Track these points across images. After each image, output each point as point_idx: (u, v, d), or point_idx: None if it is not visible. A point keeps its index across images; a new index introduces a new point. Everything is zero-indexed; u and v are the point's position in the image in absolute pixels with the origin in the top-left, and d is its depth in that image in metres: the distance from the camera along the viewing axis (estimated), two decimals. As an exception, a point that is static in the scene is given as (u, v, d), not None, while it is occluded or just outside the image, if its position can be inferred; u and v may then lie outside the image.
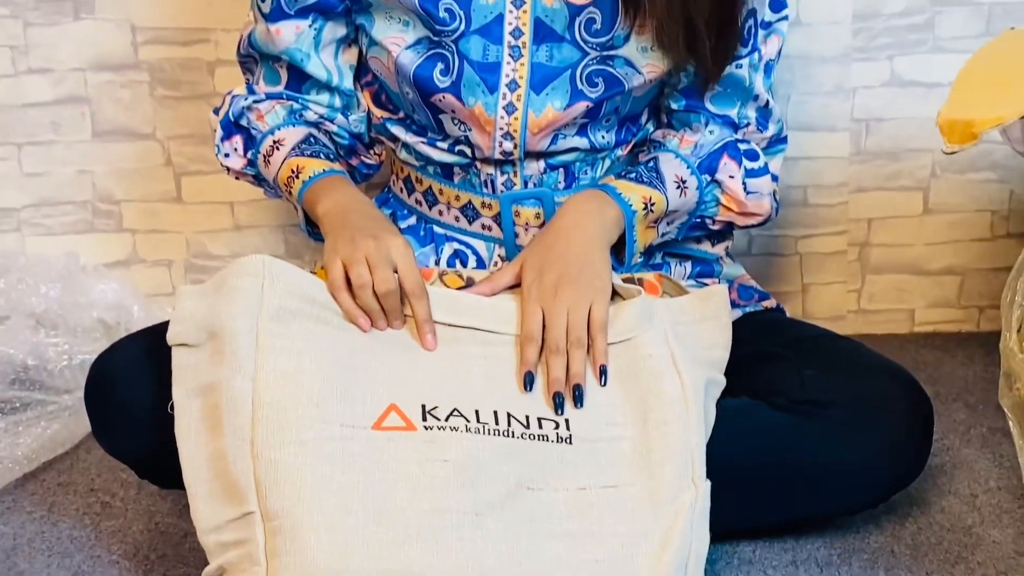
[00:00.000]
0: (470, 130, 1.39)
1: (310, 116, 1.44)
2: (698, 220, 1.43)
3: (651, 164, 1.40)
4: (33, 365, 1.63)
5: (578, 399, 1.23)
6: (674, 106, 1.43)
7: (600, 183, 1.39)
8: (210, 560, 1.17)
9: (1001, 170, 1.74)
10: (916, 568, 1.28)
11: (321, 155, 1.38)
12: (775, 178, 1.44)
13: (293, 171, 1.36)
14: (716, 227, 1.45)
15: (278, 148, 1.38)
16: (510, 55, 1.37)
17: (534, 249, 1.32)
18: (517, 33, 1.37)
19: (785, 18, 1.43)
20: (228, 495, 1.16)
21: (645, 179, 1.36)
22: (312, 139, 1.40)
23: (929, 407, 1.32)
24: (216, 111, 1.44)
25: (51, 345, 1.65)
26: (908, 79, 1.72)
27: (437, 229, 1.44)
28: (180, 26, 1.76)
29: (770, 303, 1.48)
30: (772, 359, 1.35)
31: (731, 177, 1.40)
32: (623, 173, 1.40)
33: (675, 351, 1.26)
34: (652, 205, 1.35)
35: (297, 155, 1.37)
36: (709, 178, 1.40)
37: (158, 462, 1.28)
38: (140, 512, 1.44)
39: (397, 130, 1.43)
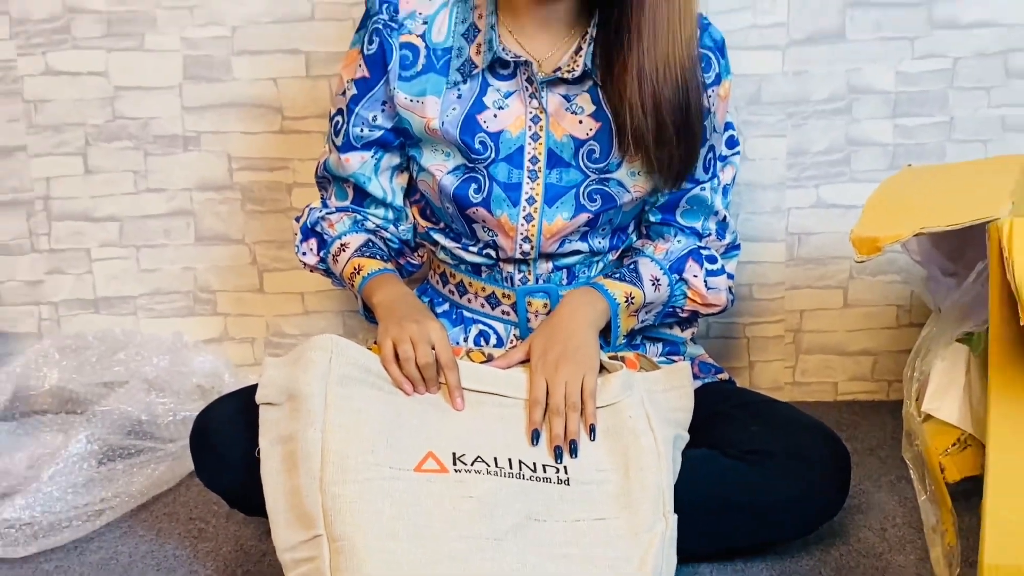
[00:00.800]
0: (496, 236, 1.39)
1: (369, 225, 1.44)
2: (670, 310, 1.43)
3: (632, 266, 1.40)
4: (145, 420, 1.62)
5: (573, 451, 1.24)
6: (652, 219, 1.44)
7: (591, 281, 1.39)
8: (286, 574, 1.18)
9: (904, 274, 1.72)
10: (838, 588, 1.30)
11: (377, 256, 1.39)
12: (731, 276, 1.46)
13: (355, 268, 1.37)
14: (684, 315, 1.45)
15: (344, 250, 1.39)
16: (528, 177, 1.38)
17: (540, 333, 1.33)
18: (534, 160, 1.38)
19: (737, 153, 1.46)
20: (301, 522, 1.16)
21: (627, 279, 1.37)
22: (371, 243, 1.41)
23: (847, 456, 1.32)
24: (297, 219, 1.45)
25: (160, 404, 1.65)
26: (830, 203, 1.73)
27: (466, 313, 1.43)
28: (266, 156, 1.78)
29: (724, 376, 1.49)
30: (725, 418, 1.35)
31: (695, 276, 1.41)
32: (610, 274, 1.40)
33: (650, 413, 1.26)
34: (632, 299, 1.35)
35: (359, 256, 1.38)
36: (678, 277, 1.40)
37: (245, 495, 1.29)
38: (229, 536, 1.44)
39: (438, 236, 1.43)
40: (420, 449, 1.20)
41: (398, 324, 1.28)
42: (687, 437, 1.30)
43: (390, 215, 1.45)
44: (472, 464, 1.20)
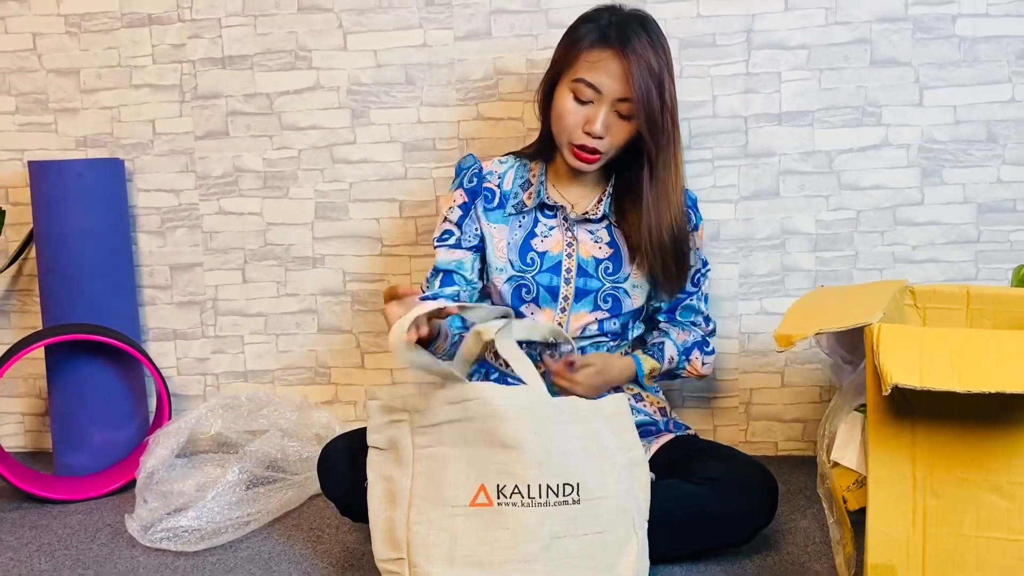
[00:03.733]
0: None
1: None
2: (671, 374, 1.50)
3: (660, 345, 1.47)
4: (280, 458, 1.65)
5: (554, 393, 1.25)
6: (660, 319, 1.52)
7: (634, 355, 1.45)
8: (381, 572, 1.23)
9: (823, 363, 1.75)
10: (770, 584, 1.30)
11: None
12: (713, 352, 1.53)
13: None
14: (674, 378, 1.53)
15: None
16: (564, 282, 1.43)
17: (598, 361, 1.37)
18: (568, 271, 1.44)
19: (710, 271, 1.56)
20: (392, 544, 1.21)
21: (655, 356, 1.45)
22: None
23: (774, 482, 1.34)
24: None
25: (290, 447, 1.67)
26: (770, 311, 1.75)
27: (509, 379, 1.43)
28: (369, 272, 1.84)
29: (691, 431, 1.50)
30: (690, 458, 1.37)
31: (696, 358, 1.49)
32: (645, 350, 1.47)
33: (614, 449, 1.24)
34: (653, 371, 1.44)
35: None
36: (685, 358, 1.48)
37: (351, 504, 1.34)
38: (338, 541, 1.48)
39: None
40: (475, 483, 1.19)
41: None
42: (647, 469, 1.27)
43: (464, 288, 1.46)
44: (510, 496, 1.18)
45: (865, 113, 1.70)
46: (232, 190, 1.85)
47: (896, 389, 1.01)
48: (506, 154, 1.53)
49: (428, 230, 1.79)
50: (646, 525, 1.23)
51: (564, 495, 1.19)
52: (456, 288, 1.46)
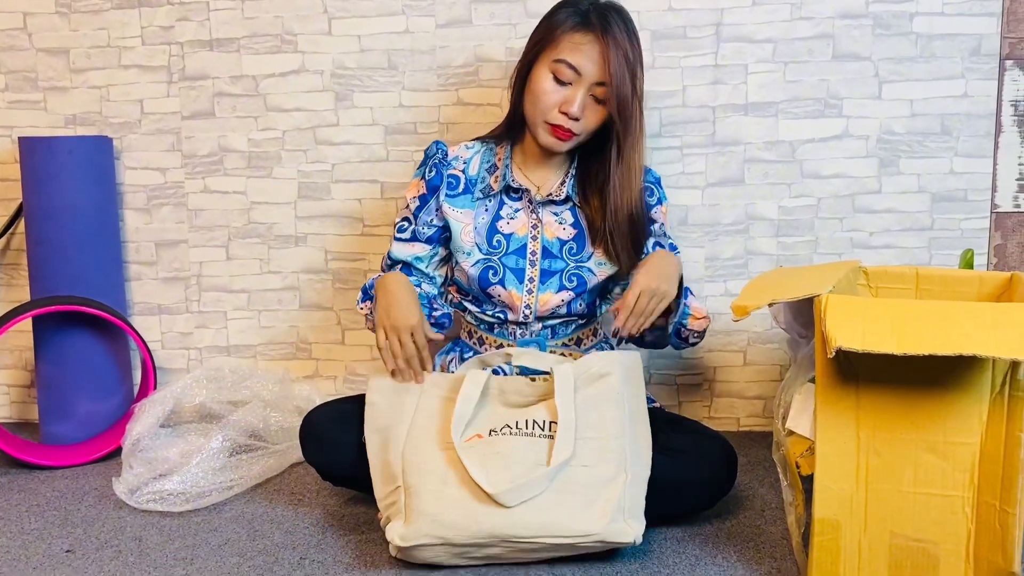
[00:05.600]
0: (506, 304, 1.46)
1: None
2: (679, 327, 1.41)
3: None
4: (262, 428, 1.67)
5: (620, 341, 1.32)
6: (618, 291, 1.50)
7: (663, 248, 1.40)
8: (381, 511, 1.28)
9: (782, 343, 1.79)
10: (728, 543, 1.34)
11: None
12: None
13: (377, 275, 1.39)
14: (685, 335, 1.43)
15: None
16: (530, 264, 1.44)
17: (646, 269, 1.32)
18: (533, 253, 1.45)
19: (678, 252, 1.48)
20: (389, 479, 1.27)
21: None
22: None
23: (734, 453, 1.37)
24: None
25: (272, 417, 1.70)
26: (734, 293, 1.78)
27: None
28: (351, 251, 1.86)
29: (656, 404, 1.53)
30: (656, 429, 1.37)
31: (692, 298, 1.42)
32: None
33: (623, 392, 1.31)
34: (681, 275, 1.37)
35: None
36: (683, 300, 1.40)
37: (333, 469, 1.40)
38: (319, 504, 1.51)
39: (467, 304, 1.50)
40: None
41: (387, 315, 1.31)
42: (647, 415, 1.33)
43: (423, 280, 1.49)
44: (501, 430, 1.26)
45: (827, 105, 1.74)
46: (217, 169, 1.86)
47: (841, 353, 1.08)
48: (473, 139, 1.54)
49: (408, 211, 1.79)
50: (642, 469, 1.27)
51: (549, 431, 1.26)
52: (416, 278, 1.48)
